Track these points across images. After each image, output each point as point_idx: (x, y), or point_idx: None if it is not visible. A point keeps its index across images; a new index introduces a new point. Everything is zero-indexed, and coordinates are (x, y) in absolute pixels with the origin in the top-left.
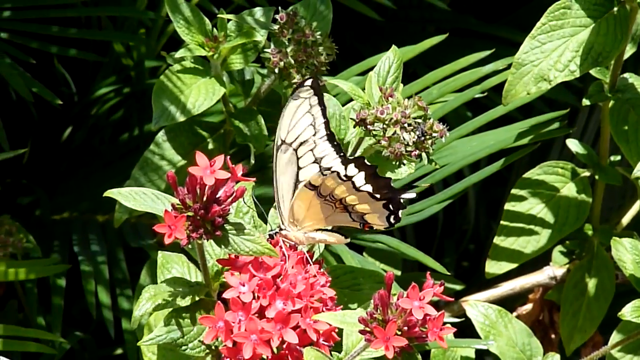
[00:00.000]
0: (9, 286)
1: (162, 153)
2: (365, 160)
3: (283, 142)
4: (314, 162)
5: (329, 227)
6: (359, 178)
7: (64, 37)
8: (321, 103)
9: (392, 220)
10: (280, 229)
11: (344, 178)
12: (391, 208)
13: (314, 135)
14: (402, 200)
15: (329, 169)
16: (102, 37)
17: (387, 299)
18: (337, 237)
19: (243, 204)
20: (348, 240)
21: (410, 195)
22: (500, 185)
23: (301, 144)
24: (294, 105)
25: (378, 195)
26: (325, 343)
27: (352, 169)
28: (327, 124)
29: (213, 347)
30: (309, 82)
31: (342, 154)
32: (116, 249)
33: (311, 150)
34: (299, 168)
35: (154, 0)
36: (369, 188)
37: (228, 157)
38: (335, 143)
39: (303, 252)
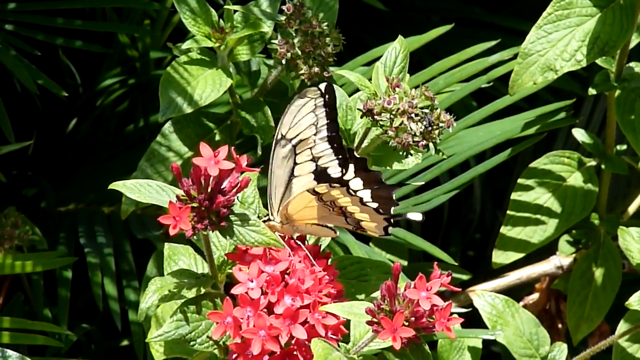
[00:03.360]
0: (15, 279)
1: (169, 144)
2: (367, 167)
3: (283, 137)
4: (311, 160)
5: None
6: (366, 194)
7: (69, 28)
8: (327, 105)
9: (388, 231)
10: (268, 219)
11: (352, 192)
12: (391, 221)
13: (315, 134)
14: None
15: (325, 169)
16: (108, 29)
17: (394, 290)
18: (326, 230)
19: (248, 195)
20: (337, 234)
21: (417, 216)
22: (505, 174)
23: (301, 141)
24: (299, 103)
25: (382, 211)
26: (334, 337)
27: (357, 183)
28: (329, 126)
29: (221, 343)
30: (321, 86)
31: (340, 156)
32: (122, 240)
33: (310, 148)
34: (295, 164)
35: None
36: (374, 205)
37: (233, 147)
38: (334, 145)
39: (311, 246)
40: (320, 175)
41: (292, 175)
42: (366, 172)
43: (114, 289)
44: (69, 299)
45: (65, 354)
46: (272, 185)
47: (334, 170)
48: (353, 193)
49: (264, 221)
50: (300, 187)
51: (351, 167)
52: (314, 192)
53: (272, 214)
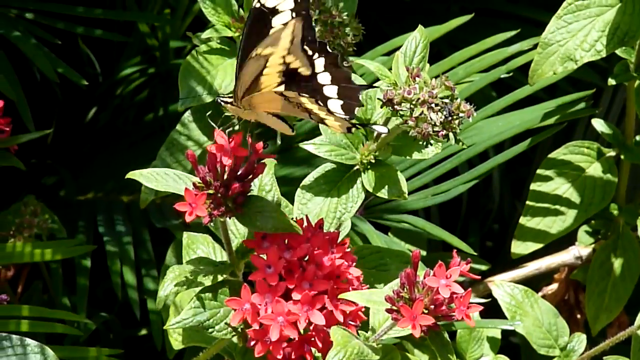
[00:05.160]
0: (34, 267)
1: (189, 133)
2: (338, 63)
3: (258, 55)
4: (282, 64)
5: None
6: (332, 90)
7: (89, 17)
8: (306, 27)
9: (352, 130)
10: (231, 103)
11: (320, 104)
12: (356, 125)
13: (290, 44)
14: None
15: (295, 69)
16: (128, 18)
17: (413, 278)
18: (284, 127)
19: (266, 183)
20: (293, 133)
21: (382, 129)
22: (524, 164)
23: (273, 53)
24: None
25: (345, 112)
26: (352, 323)
27: (325, 78)
28: (303, 40)
29: (239, 329)
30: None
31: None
32: (141, 229)
33: (283, 56)
34: (265, 66)
35: None
36: (339, 102)
37: (249, 135)
38: (307, 53)
39: (329, 233)
40: (290, 74)
41: (261, 74)
42: (336, 68)
43: (133, 277)
44: (87, 287)
45: (83, 343)
46: (239, 80)
47: (304, 70)
48: (322, 104)
49: (227, 102)
50: (268, 85)
51: (321, 60)
52: (280, 94)
53: (235, 100)
